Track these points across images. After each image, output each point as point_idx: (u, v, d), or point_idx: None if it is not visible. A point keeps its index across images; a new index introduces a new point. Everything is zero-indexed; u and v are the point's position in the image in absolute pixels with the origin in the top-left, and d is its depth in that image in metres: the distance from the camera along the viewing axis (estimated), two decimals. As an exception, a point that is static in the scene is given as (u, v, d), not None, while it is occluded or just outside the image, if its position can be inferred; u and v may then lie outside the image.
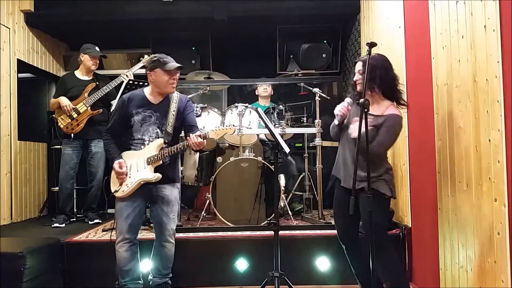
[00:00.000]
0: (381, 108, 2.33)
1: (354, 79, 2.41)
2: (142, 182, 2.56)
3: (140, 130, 2.63)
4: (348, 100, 2.46)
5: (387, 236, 2.43)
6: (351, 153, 2.35)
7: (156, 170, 2.59)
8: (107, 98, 3.90)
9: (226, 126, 2.61)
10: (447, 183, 2.47)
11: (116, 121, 2.69)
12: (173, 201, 2.66)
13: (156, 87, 2.65)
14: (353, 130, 2.26)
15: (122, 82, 3.84)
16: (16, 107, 4.36)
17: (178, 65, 2.60)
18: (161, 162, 2.56)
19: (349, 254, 2.51)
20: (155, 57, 2.62)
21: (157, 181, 2.59)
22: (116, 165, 2.58)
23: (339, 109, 2.42)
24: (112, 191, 2.64)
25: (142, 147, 2.62)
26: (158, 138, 2.61)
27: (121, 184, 2.60)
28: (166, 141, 2.58)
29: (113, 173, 2.70)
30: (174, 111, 2.64)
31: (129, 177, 2.59)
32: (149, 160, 2.56)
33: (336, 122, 2.48)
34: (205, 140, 2.51)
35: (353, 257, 2.50)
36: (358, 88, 2.39)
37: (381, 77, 2.27)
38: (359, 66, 2.38)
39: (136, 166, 2.59)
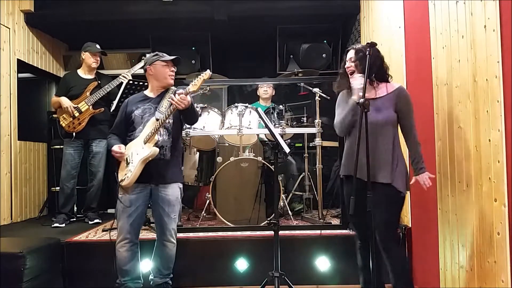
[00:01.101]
0: (381, 89, 2.31)
1: (346, 66, 2.36)
2: (143, 161, 2.56)
3: (141, 122, 2.67)
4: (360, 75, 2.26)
5: (397, 236, 2.38)
6: (373, 141, 2.19)
7: (158, 169, 2.60)
8: (109, 97, 3.90)
9: (201, 75, 2.57)
10: (447, 183, 2.47)
11: (119, 122, 2.79)
12: (174, 201, 2.66)
13: (156, 80, 2.74)
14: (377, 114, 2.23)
15: (122, 82, 3.84)
16: (16, 107, 4.36)
17: (177, 56, 2.75)
18: (156, 137, 2.57)
19: (363, 252, 2.39)
20: (153, 53, 2.79)
21: (160, 181, 2.61)
22: (115, 147, 2.63)
23: (358, 85, 2.21)
24: (119, 180, 2.64)
25: None
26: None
27: (126, 173, 2.61)
28: (157, 118, 2.58)
29: (120, 167, 2.71)
30: (169, 98, 2.66)
31: (131, 163, 2.60)
32: (145, 139, 2.58)
33: (355, 99, 2.23)
34: (188, 96, 2.52)
35: (365, 256, 2.32)
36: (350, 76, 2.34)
37: (377, 67, 2.26)
38: (351, 54, 2.34)
39: (136, 151, 2.61)
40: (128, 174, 2.59)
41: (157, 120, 2.58)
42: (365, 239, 2.36)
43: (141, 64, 3.90)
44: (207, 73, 2.58)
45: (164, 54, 2.75)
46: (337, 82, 2.46)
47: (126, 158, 2.64)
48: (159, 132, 2.59)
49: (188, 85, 2.57)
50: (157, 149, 2.56)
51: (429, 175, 2.26)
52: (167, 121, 2.58)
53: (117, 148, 2.63)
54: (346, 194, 2.40)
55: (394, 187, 2.20)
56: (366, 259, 2.28)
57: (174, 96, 2.57)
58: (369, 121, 2.12)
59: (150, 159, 2.56)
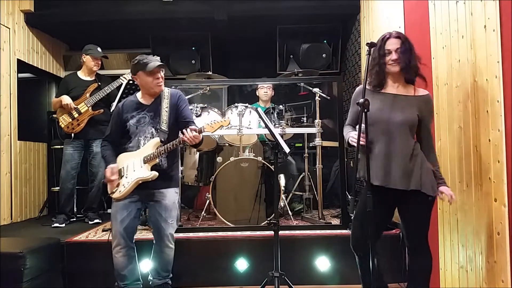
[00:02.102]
0: (408, 89, 2.15)
1: (393, 58, 2.06)
2: (139, 181, 2.54)
3: (136, 132, 2.62)
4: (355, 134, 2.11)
5: (427, 238, 2.24)
6: (395, 145, 2.06)
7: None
8: (109, 98, 3.90)
9: (221, 119, 2.56)
10: (447, 183, 2.46)
11: (113, 128, 2.71)
12: (171, 206, 2.62)
13: (144, 89, 2.66)
14: (399, 113, 2.08)
15: (122, 83, 3.84)
16: (16, 107, 4.36)
17: (159, 63, 2.55)
18: (157, 160, 2.54)
19: (363, 264, 2.26)
20: (135, 60, 2.59)
21: (155, 186, 2.57)
22: (108, 170, 2.58)
23: (353, 140, 2.11)
24: (109, 192, 2.62)
25: (137, 148, 2.61)
26: (154, 138, 2.59)
27: (117, 186, 2.59)
28: (162, 139, 2.56)
29: None
30: (166, 107, 2.62)
31: (126, 177, 2.58)
32: (145, 158, 2.54)
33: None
34: (201, 134, 2.46)
35: (366, 268, 2.15)
36: (395, 69, 2.08)
37: (416, 59, 2.11)
38: (397, 43, 2.06)
39: (133, 166, 2.57)
40: (121, 188, 2.56)
41: (161, 142, 2.54)
42: (364, 250, 2.19)
43: None
44: (227, 120, 2.57)
45: (147, 59, 2.55)
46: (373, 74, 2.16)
47: (120, 170, 2.60)
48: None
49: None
50: (157, 174, 2.52)
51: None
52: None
53: (109, 173, 2.56)
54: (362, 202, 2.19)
55: (423, 192, 2.05)
56: (367, 266, 2.14)
57: (175, 100, 2.58)
58: (386, 119, 2.04)
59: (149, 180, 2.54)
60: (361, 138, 2.00)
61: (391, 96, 2.13)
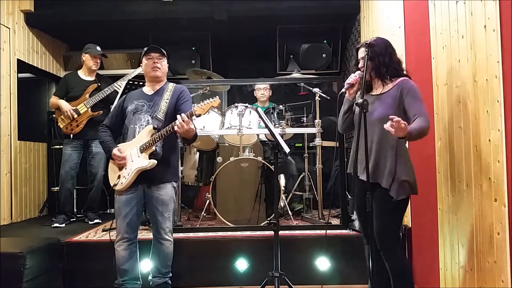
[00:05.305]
0: (385, 86, 2.27)
1: (359, 66, 2.28)
2: (139, 171, 2.54)
3: (132, 119, 2.65)
4: (358, 72, 2.27)
5: (396, 239, 2.27)
6: (374, 139, 2.19)
7: (150, 170, 2.56)
8: (108, 100, 3.90)
9: (210, 100, 2.51)
10: (447, 183, 2.47)
11: (113, 115, 2.80)
12: (168, 201, 2.63)
13: (146, 77, 2.78)
14: (374, 111, 2.19)
15: (120, 88, 3.83)
16: (16, 107, 4.36)
17: (154, 46, 2.73)
18: (153, 148, 2.55)
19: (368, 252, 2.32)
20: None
21: (152, 181, 2.59)
22: (115, 150, 2.61)
23: (350, 79, 2.26)
24: (111, 185, 2.63)
25: (133, 137, 2.63)
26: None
27: (118, 178, 2.60)
28: (156, 126, 2.56)
29: (109, 167, 2.71)
30: (167, 99, 2.66)
31: (125, 168, 2.59)
32: (141, 148, 2.55)
33: (347, 96, 2.31)
34: (191, 126, 2.43)
35: (376, 261, 2.23)
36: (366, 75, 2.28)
37: (385, 64, 2.22)
38: (362, 52, 2.26)
39: (131, 157, 2.58)
40: (122, 180, 2.58)
41: (155, 129, 2.55)
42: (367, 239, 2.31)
43: (139, 69, 3.90)
44: (217, 100, 2.52)
45: (148, 48, 2.72)
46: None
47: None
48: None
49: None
50: (155, 162, 2.53)
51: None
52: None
53: (117, 151, 2.60)
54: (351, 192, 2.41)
55: (387, 192, 2.15)
56: (377, 263, 2.18)
57: (178, 93, 2.68)
58: (367, 119, 2.08)
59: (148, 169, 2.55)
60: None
61: (372, 97, 2.27)
